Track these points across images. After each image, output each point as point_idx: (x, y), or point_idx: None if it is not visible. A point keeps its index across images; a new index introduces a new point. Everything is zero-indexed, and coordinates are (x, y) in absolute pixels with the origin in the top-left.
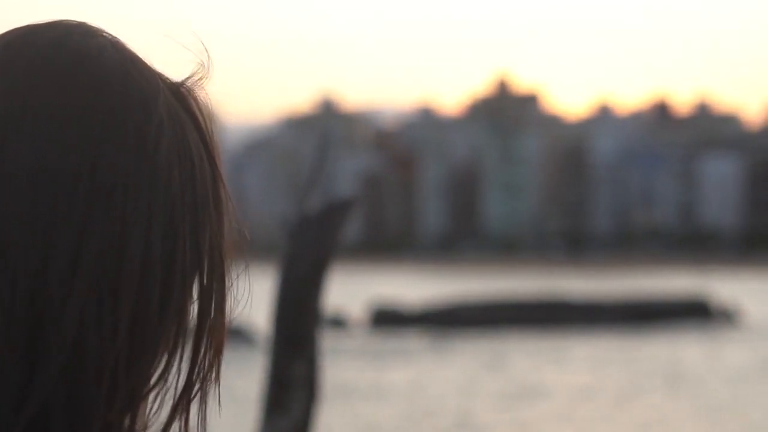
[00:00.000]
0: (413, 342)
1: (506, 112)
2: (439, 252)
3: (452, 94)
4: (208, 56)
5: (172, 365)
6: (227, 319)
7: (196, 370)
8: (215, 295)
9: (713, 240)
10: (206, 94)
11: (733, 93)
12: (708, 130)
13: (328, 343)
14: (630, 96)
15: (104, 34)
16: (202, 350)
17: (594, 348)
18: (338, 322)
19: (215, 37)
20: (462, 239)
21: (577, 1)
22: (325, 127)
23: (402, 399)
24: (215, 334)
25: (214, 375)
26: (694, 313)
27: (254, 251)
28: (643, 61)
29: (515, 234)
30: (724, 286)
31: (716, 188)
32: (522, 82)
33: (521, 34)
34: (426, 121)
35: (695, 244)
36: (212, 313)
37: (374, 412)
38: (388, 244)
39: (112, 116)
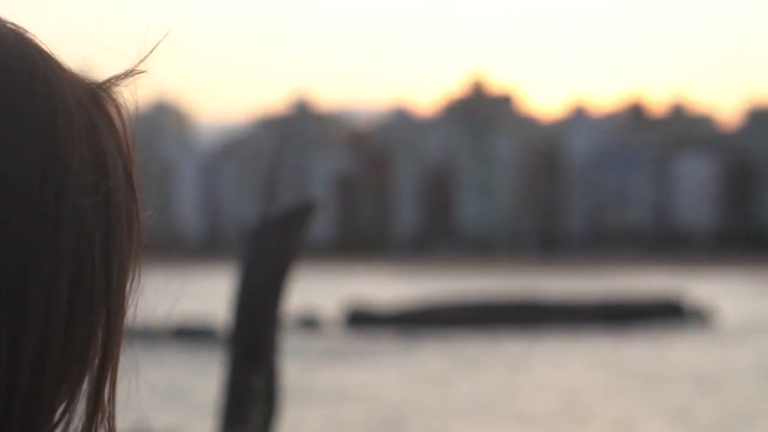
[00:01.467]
0: (387, 342)
1: (481, 112)
2: (413, 252)
3: (427, 94)
4: (142, 52)
5: (77, 397)
6: (125, 347)
7: (101, 398)
8: (119, 321)
9: (687, 240)
10: (132, 95)
11: (707, 94)
12: (682, 131)
13: (301, 343)
14: (604, 97)
15: (9, 26)
16: (108, 379)
17: (567, 349)
18: (311, 323)
19: (189, 37)
20: (436, 239)
21: (552, 1)
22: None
23: (374, 401)
24: (115, 362)
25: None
26: (668, 313)
27: (230, 253)
28: (618, 61)
29: (489, 234)
30: (698, 287)
31: (690, 189)
32: (497, 83)
33: (496, 34)
34: (400, 121)
35: (669, 244)
36: (115, 342)
37: (346, 414)
38: (362, 244)
39: (12, 118)
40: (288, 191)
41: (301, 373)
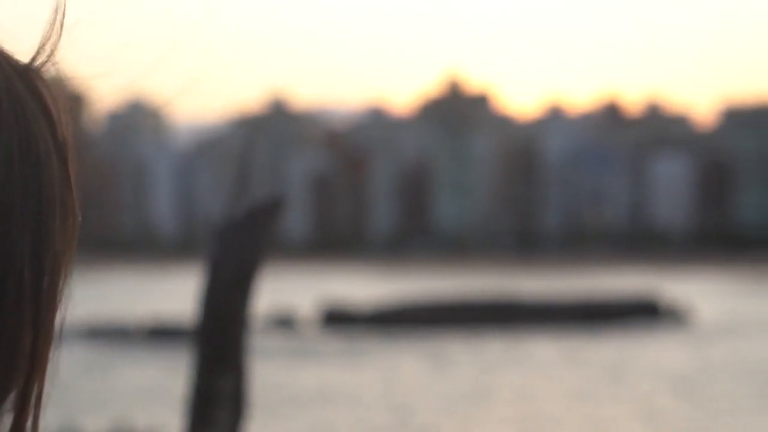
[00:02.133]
0: (364, 342)
1: (457, 112)
2: (389, 251)
3: (403, 94)
4: (60, 23)
5: (4, 399)
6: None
7: (28, 401)
8: (49, 321)
9: (663, 240)
10: (67, 75)
11: (683, 93)
12: (658, 131)
13: (277, 343)
14: (580, 96)
15: None
16: (36, 380)
17: (544, 348)
18: (288, 323)
19: (165, 36)
20: (413, 239)
21: (529, 1)
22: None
23: (350, 401)
24: (44, 363)
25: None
26: (644, 312)
27: (205, 252)
28: (594, 61)
29: (466, 233)
30: (674, 286)
31: (666, 188)
32: (473, 83)
33: (472, 34)
34: (376, 121)
35: (645, 243)
36: (44, 344)
37: (322, 414)
38: (339, 244)
39: None
40: (262, 190)
41: (277, 373)
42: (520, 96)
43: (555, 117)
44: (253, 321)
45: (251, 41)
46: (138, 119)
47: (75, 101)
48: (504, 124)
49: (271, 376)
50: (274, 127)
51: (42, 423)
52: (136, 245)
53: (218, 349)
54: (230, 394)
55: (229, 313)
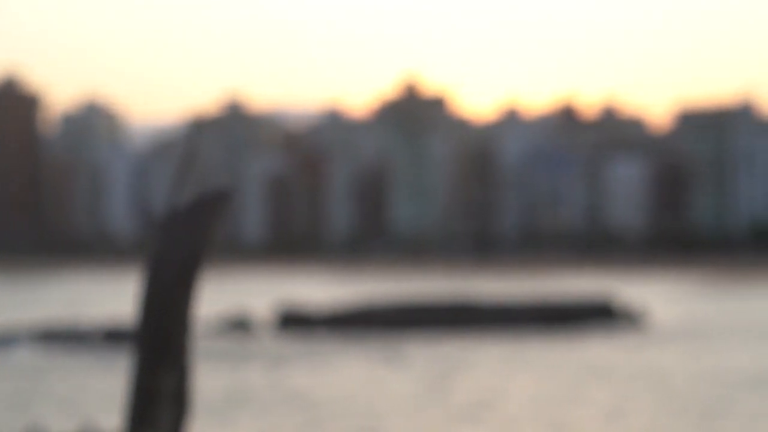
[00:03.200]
0: (320, 344)
1: (414, 114)
2: (346, 254)
3: (360, 96)
4: None
5: None
6: None
7: None
8: None
9: (619, 242)
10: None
11: (639, 97)
12: (614, 134)
13: (232, 346)
14: (537, 99)
15: None
16: None
17: (500, 350)
18: (243, 325)
19: (122, 39)
20: (370, 241)
21: (485, 4)
22: (196, 123)
23: (305, 403)
24: None
25: None
26: (600, 315)
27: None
28: (550, 64)
29: (423, 235)
30: (630, 288)
31: (622, 191)
32: (430, 85)
33: (429, 36)
34: (334, 123)
35: (601, 246)
36: None
37: (275, 417)
38: (296, 246)
39: None
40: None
41: (231, 376)
42: (476, 98)
43: (511, 120)
44: (209, 323)
45: (208, 43)
46: (93, 121)
47: (30, 104)
48: (461, 126)
49: (225, 379)
50: (231, 129)
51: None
52: (93, 247)
53: (160, 347)
54: (172, 393)
55: (171, 310)
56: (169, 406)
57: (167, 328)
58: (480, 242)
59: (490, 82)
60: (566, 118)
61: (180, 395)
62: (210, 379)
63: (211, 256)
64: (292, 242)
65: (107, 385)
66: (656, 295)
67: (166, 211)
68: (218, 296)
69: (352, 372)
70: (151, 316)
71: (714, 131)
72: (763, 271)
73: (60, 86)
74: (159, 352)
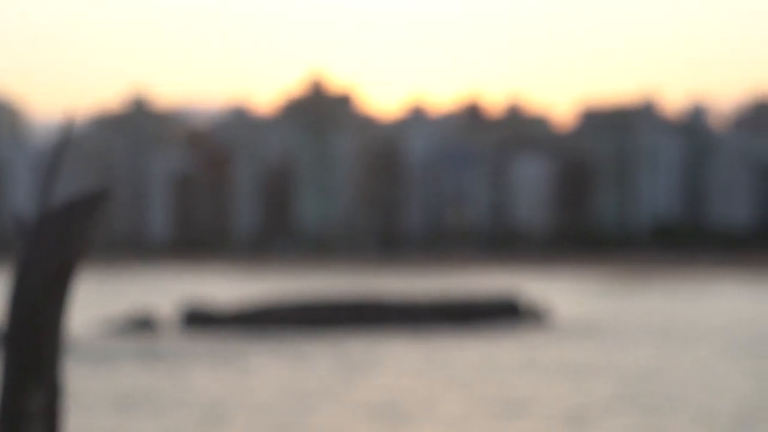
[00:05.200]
0: (225, 343)
1: (320, 112)
2: (252, 252)
3: (266, 93)
4: None
5: None
6: None
7: None
8: None
9: (523, 240)
10: None
11: (543, 94)
12: (518, 132)
13: (136, 345)
14: (442, 97)
15: None
16: None
17: (405, 348)
18: (147, 324)
19: (25, 33)
20: (275, 239)
21: (391, 2)
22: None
23: (205, 402)
24: None
25: None
26: (505, 312)
27: None
28: (456, 62)
29: (329, 233)
30: (534, 286)
31: (526, 189)
32: (336, 82)
33: (335, 33)
34: (239, 120)
35: (506, 244)
36: None
37: (175, 417)
38: (201, 244)
39: None
40: (123, 190)
41: (135, 376)
42: (382, 96)
43: (417, 117)
44: (112, 323)
45: (112, 38)
46: None
47: None
48: (366, 124)
49: (124, 379)
50: (135, 127)
51: None
52: None
53: (29, 361)
54: (42, 411)
55: (40, 322)
56: (38, 426)
57: (36, 340)
58: (386, 240)
59: (396, 80)
60: (471, 116)
61: (50, 413)
62: (108, 380)
63: (86, 261)
64: (197, 240)
65: None
66: (560, 292)
67: (35, 214)
68: (122, 295)
69: (256, 371)
70: (18, 328)
71: (617, 130)
72: (665, 268)
73: None
74: (27, 367)
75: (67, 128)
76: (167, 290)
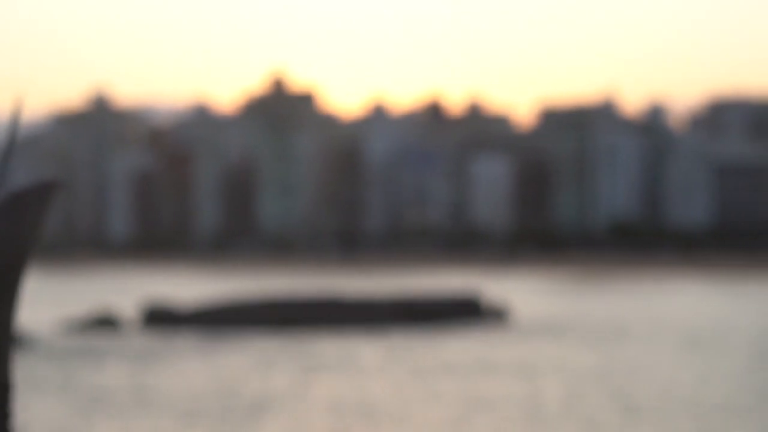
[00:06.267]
0: (186, 342)
1: (281, 111)
2: (213, 250)
3: (227, 92)
4: None
5: None
6: None
7: None
8: None
9: (483, 239)
10: None
11: (503, 94)
12: (479, 132)
13: (96, 344)
14: (403, 96)
15: None
16: None
17: (365, 347)
18: (108, 323)
19: None
20: (237, 238)
21: (352, 1)
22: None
23: (164, 402)
24: None
25: None
26: (465, 311)
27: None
28: (416, 61)
29: (290, 233)
30: (494, 285)
31: (486, 188)
32: (297, 81)
33: (296, 32)
34: (200, 119)
35: (466, 243)
36: None
37: (133, 417)
38: (162, 243)
39: None
40: (84, 188)
41: (93, 375)
42: (343, 95)
43: (378, 116)
44: (72, 322)
45: (73, 35)
46: None
47: None
48: (328, 123)
49: (83, 378)
50: (96, 125)
51: None
52: None
53: None
54: None
55: None
56: None
57: None
58: (346, 239)
59: (357, 79)
60: (432, 116)
61: (1, 416)
62: (68, 379)
63: (35, 255)
64: (158, 239)
65: None
66: (520, 291)
67: None
68: (84, 294)
69: (216, 370)
70: None
71: (576, 129)
72: (623, 267)
73: None
74: None
75: (15, 118)
76: (129, 289)
